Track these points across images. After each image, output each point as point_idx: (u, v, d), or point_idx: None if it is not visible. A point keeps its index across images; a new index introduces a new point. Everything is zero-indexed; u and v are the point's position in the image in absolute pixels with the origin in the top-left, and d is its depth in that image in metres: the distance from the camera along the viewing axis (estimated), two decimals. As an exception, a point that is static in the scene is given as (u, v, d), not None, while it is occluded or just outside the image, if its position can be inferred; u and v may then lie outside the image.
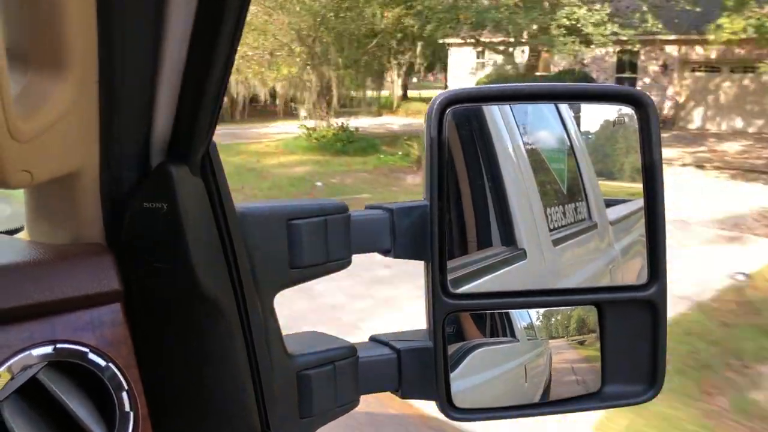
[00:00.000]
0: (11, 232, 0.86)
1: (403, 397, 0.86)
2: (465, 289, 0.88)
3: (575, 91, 0.96)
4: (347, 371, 0.83)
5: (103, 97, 0.62)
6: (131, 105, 0.65)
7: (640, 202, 1.30)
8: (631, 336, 0.89)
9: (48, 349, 0.64)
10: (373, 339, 0.90)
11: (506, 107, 1.14)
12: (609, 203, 1.22)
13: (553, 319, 0.96)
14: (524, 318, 0.95)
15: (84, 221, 0.70)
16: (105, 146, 0.66)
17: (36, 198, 0.74)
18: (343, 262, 0.83)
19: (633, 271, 1.11)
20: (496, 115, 1.10)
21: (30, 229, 0.76)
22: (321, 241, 0.80)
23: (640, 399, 0.87)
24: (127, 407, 0.67)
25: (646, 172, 0.90)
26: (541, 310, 0.95)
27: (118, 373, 0.67)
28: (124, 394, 0.67)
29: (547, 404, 0.89)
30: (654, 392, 0.87)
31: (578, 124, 1.24)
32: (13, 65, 0.54)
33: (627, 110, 0.94)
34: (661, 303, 0.88)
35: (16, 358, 0.62)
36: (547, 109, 1.21)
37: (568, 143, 1.27)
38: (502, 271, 1.05)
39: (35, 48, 0.55)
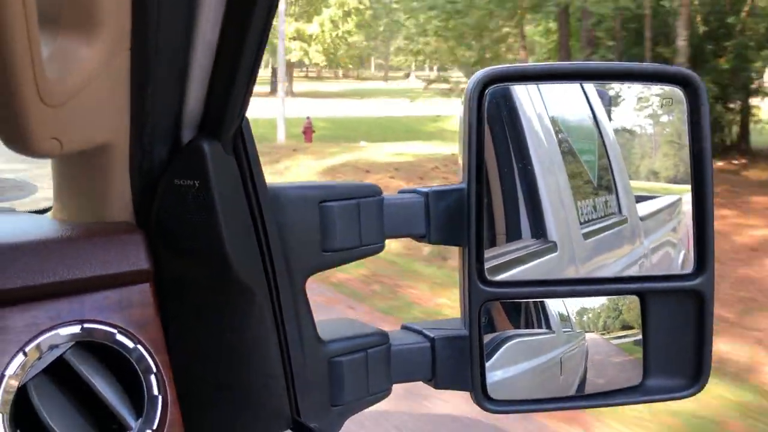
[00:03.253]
0: (40, 212, 0.84)
1: (437, 387, 0.83)
2: (502, 277, 0.85)
3: (621, 70, 0.92)
4: (379, 359, 0.80)
5: (135, 64, 0.60)
6: (163, 75, 0.62)
7: (670, 199, 1.27)
8: (676, 327, 0.85)
9: (75, 329, 0.62)
10: (405, 327, 0.87)
11: (536, 94, 1.12)
12: (638, 199, 1.19)
13: (590, 311, 0.92)
14: (560, 310, 0.92)
15: (112, 198, 0.68)
16: (135, 118, 0.63)
17: (64, 175, 0.71)
18: (376, 247, 0.80)
19: (663, 270, 1.07)
20: (526, 101, 1.07)
21: (57, 208, 0.74)
22: (353, 224, 0.78)
23: (683, 393, 0.84)
24: (155, 390, 0.65)
25: (695, 157, 0.86)
26: (578, 302, 0.91)
27: (147, 355, 0.65)
28: (153, 377, 0.65)
29: (586, 397, 0.86)
30: (699, 386, 0.84)
31: (610, 116, 1.21)
32: (44, 26, 0.51)
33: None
34: (709, 293, 0.85)
35: (43, 337, 0.60)
36: (577, 98, 1.18)
37: (598, 135, 1.24)
38: (531, 263, 1.01)
39: (66, 8, 0.53)
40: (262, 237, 0.70)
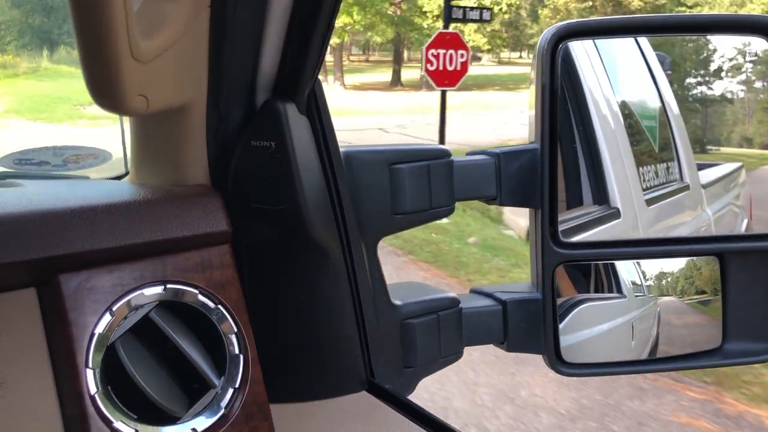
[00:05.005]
0: (115, 179, 0.85)
1: (509, 349, 0.82)
2: (576, 238, 0.84)
3: (701, 21, 0.89)
4: (451, 322, 0.80)
5: (214, 25, 0.60)
6: (240, 37, 0.62)
7: (732, 166, 1.23)
8: (757, 289, 0.82)
9: (159, 289, 0.63)
10: (475, 291, 0.87)
11: (597, 59, 1.09)
12: (701, 167, 1.16)
13: (662, 275, 0.90)
14: (632, 274, 0.90)
15: (189, 161, 0.69)
16: (213, 80, 0.64)
17: (142, 139, 0.72)
18: (446, 209, 0.80)
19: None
20: (586, 65, 1.05)
21: (135, 172, 0.75)
22: (424, 186, 0.77)
23: (765, 357, 0.81)
24: (236, 350, 0.65)
25: None
26: (650, 265, 0.89)
27: (227, 315, 0.66)
28: (233, 337, 0.66)
29: (662, 360, 0.84)
30: None
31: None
32: None
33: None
34: None
35: (128, 297, 0.61)
36: (639, 63, 1.15)
37: (660, 100, 1.21)
38: (594, 230, 1.00)
39: None
40: (335, 198, 0.70)
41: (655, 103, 1.19)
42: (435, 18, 27.91)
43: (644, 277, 0.88)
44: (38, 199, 0.64)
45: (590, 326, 0.88)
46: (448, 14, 9.24)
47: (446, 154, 0.79)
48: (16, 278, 0.58)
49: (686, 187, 1.17)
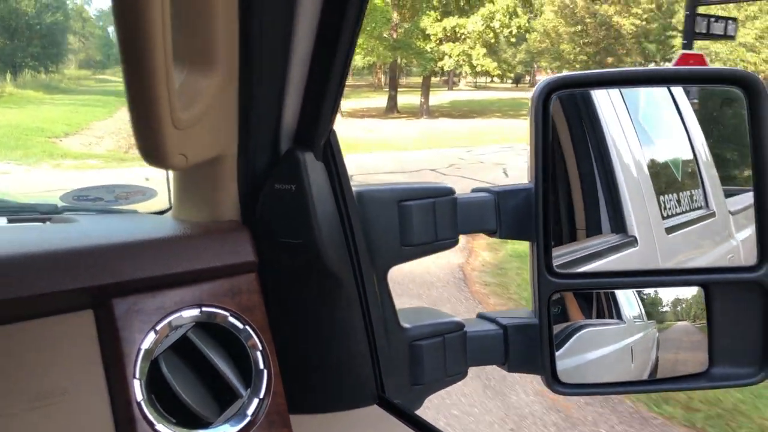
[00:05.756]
0: (159, 213, 0.99)
1: (510, 370, 0.90)
2: (570, 269, 0.91)
3: (681, 74, 0.95)
4: (456, 344, 0.89)
5: (242, 90, 0.72)
6: (265, 97, 0.74)
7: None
8: (740, 318, 0.88)
9: (195, 312, 0.75)
10: (481, 316, 0.95)
11: (617, 91, 1.15)
12: (730, 193, 1.18)
13: (659, 301, 0.96)
14: (630, 300, 0.96)
15: (223, 201, 0.81)
16: (242, 134, 0.76)
17: (183, 182, 0.85)
18: (450, 242, 0.88)
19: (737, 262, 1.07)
20: (604, 98, 1.11)
21: (176, 209, 0.88)
22: (430, 221, 0.86)
23: (749, 381, 0.86)
24: (261, 365, 0.77)
25: (755, 153, 0.88)
26: (648, 293, 0.95)
27: (254, 335, 0.77)
28: (259, 354, 0.77)
29: (653, 382, 0.90)
30: (764, 374, 0.86)
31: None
32: (173, 64, 0.64)
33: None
34: None
35: (170, 318, 0.73)
36: (660, 93, 1.19)
37: (684, 130, 1.24)
38: (611, 258, 1.05)
39: (190, 49, 0.65)
40: (349, 232, 0.80)
41: (678, 132, 1.23)
42: (439, 41, 25.85)
43: (640, 303, 0.95)
44: (95, 234, 0.77)
45: (590, 350, 0.95)
46: (691, 27, 7.69)
47: (450, 192, 0.88)
48: (76, 302, 0.70)
49: (711, 215, 1.20)
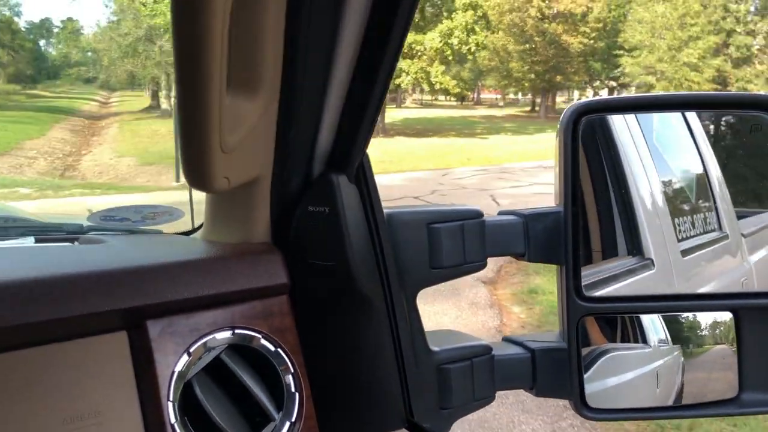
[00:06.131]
0: (185, 234, 0.98)
1: (538, 395, 0.90)
2: (598, 293, 0.91)
3: (706, 99, 0.96)
4: (484, 368, 0.88)
5: (282, 115, 0.72)
6: (303, 121, 0.74)
7: (775, 214, 1.26)
8: None
9: (228, 334, 0.74)
10: (507, 339, 0.95)
11: (632, 116, 1.16)
12: (742, 215, 1.19)
13: (684, 326, 0.96)
14: (656, 325, 0.96)
15: (255, 223, 0.80)
16: (279, 157, 0.76)
17: (216, 203, 0.85)
18: (478, 265, 0.88)
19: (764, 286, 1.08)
20: (621, 124, 1.12)
21: (207, 230, 0.88)
22: (458, 244, 0.86)
23: None
24: (293, 388, 0.76)
25: None
26: (673, 316, 0.96)
27: (286, 358, 0.76)
28: (291, 377, 0.76)
29: (681, 408, 0.90)
30: None
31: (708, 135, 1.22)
32: None
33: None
34: None
35: (203, 340, 0.73)
36: (674, 118, 1.21)
37: (697, 153, 1.25)
38: (628, 281, 1.06)
39: (237, 71, 0.65)
40: (380, 255, 0.80)
41: (692, 155, 1.24)
42: (430, 61, 24.88)
43: (666, 327, 0.95)
44: (126, 255, 0.77)
45: (616, 374, 0.95)
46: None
47: (479, 214, 0.89)
48: (111, 323, 0.70)
49: (725, 237, 1.21)
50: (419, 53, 25.21)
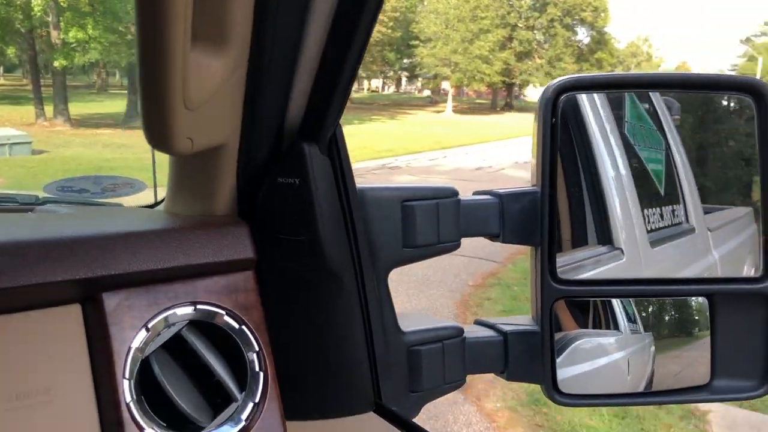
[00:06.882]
0: (149, 207, 0.93)
1: (509, 379, 0.88)
2: (574, 276, 0.89)
3: (692, 80, 0.95)
4: (455, 350, 0.86)
5: (251, 75, 0.68)
6: (273, 86, 0.70)
7: (740, 211, 1.27)
8: (744, 329, 0.87)
9: (189, 310, 0.70)
10: (479, 322, 0.92)
11: (605, 104, 1.15)
12: (707, 210, 1.20)
13: (656, 312, 0.95)
14: (628, 310, 0.95)
15: (220, 194, 0.76)
16: (247, 122, 0.71)
17: (179, 172, 0.80)
18: (452, 245, 0.86)
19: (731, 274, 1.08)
20: (593, 110, 1.11)
21: (170, 202, 0.83)
22: (433, 222, 0.83)
23: (751, 394, 0.86)
24: (257, 367, 0.72)
25: (764, 163, 0.89)
26: (645, 303, 0.94)
27: (250, 335, 0.72)
28: (255, 355, 0.72)
29: (653, 394, 0.89)
30: (767, 388, 0.85)
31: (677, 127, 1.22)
32: None
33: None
34: None
35: (162, 315, 0.68)
36: (645, 109, 1.20)
37: (665, 144, 1.25)
38: (598, 269, 1.05)
39: (204, 25, 0.61)
40: (351, 231, 0.77)
41: (661, 147, 1.24)
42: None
43: (638, 313, 0.93)
44: (85, 223, 0.72)
45: (588, 360, 0.93)
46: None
47: (454, 193, 0.86)
48: (63, 295, 0.65)
49: (692, 230, 1.21)
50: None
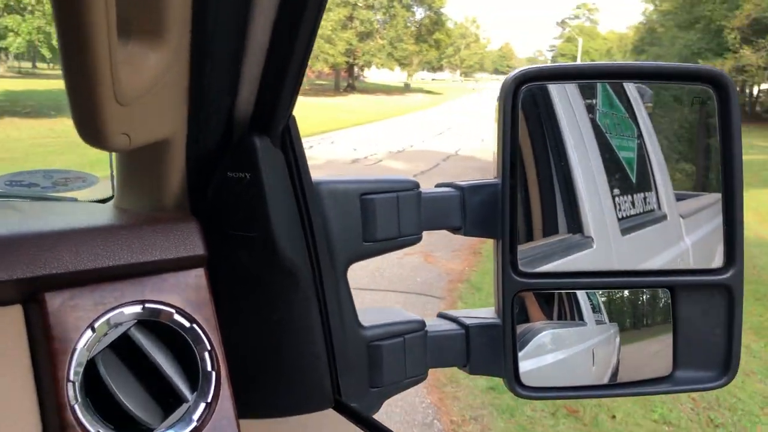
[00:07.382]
0: (101, 202, 0.91)
1: (472, 372, 0.87)
2: (535, 269, 0.88)
3: (652, 70, 0.94)
4: (416, 344, 0.84)
5: (194, 66, 0.65)
6: (219, 76, 0.68)
7: (713, 197, 1.27)
8: (705, 320, 0.87)
9: (137, 308, 0.68)
10: (442, 315, 0.91)
11: (576, 92, 1.14)
12: (680, 197, 1.19)
13: (621, 303, 0.95)
14: (592, 301, 0.94)
15: (169, 189, 0.74)
16: (193, 116, 0.69)
17: (126, 168, 0.78)
18: (413, 238, 0.84)
19: (705, 265, 1.08)
20: (563, 97, 1.09)
21: (119, 197, 0.81)
22: (393, 216, 0.82)
23: (712, 384, 0.86)
24: (209, 367, 0.70)
25: (725, 153, 0.88)
26: (610, 294, 0.94)
27: (201, 334, 0.71)
28: (207, 354, 0.71)
29: (616, 386, 0.89)
30: (728, 378, 0.85)
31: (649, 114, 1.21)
32: (119, 33, 0.57)
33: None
34: (737, 287, 0.86)
35: (109, 315, 0.66)
36: (616, 95, 1.19)
37: (637, 132, 1.25)
38: (568, 258, 1.04)
39: (137, 16, 0.58)
40: (307, 226, 0.75)
41: (633, 135, 1.23)
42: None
43: (602, 304, 0.93)
44: (27, 220, 0.69)
45: (552, 352, 0.93)
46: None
47: (415, 186, 0.84)
48: (3, 295, 0.63)
49: (664, 217, 1.21)
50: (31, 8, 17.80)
